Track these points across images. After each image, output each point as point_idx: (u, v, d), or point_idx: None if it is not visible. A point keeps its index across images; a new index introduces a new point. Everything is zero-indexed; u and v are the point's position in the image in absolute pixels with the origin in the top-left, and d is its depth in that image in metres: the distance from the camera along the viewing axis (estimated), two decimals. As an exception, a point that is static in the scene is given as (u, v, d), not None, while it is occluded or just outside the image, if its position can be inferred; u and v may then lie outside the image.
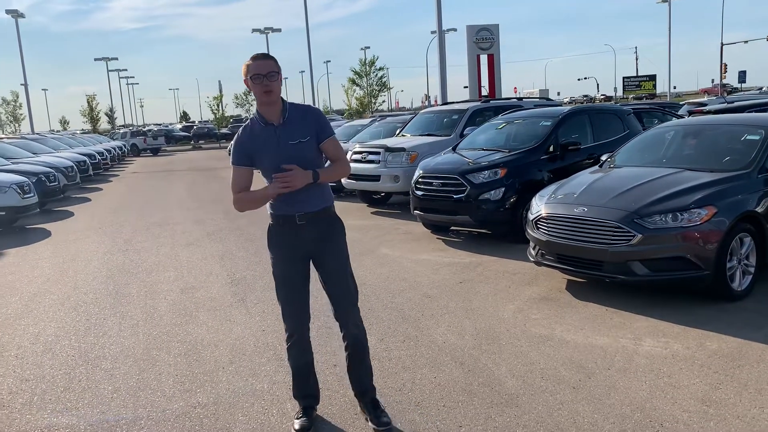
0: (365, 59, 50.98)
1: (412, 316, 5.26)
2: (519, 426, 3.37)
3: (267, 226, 3.41)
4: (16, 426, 3.70)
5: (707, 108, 11.52)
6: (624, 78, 67.06)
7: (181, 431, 3.54)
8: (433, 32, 38.95)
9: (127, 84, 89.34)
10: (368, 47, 73.51)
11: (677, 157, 6.41)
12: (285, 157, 3.19)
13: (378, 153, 11.12)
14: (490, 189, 7.79)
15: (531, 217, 6.02)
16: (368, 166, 11.08)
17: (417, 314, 5.30)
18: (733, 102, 13.52)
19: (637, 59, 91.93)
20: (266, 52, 3.18)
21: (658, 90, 65.79)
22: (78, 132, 56.21)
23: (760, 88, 62.76)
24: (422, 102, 78.77)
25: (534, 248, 5.98)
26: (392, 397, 3.78)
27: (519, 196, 7.71)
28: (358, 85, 49.98)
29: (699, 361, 4.05)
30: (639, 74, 70.30)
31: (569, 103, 62.75)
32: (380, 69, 50.93)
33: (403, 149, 10.80)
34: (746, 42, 55.28)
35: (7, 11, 42.54)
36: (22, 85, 47.77)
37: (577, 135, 8.61)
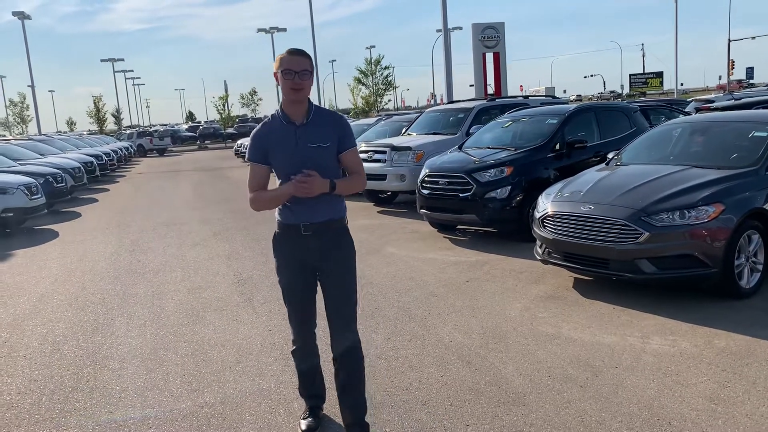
0: (371, 58, 50.91)
1: (419, 315, 5.26)
2: (526, 425, 3.36)
3: (273, 233, 3.31)
4: (25, 426, 3.72)
5: (714, 105, 11.45)
6: (631, 75, 66.93)
7: (188, 431, 3.55)
8: (438, 31, 38.94)
9: (134, 85, 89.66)
10: (373, 46, 73.76)
11: (684, 154, 6.37)
12: (300, 160, 3.05)
13: (384, 152, 11.12)
14: (497, 187, 7.78)
15: (537, 215, 6.01)
16: (374, 165, 11.07)
17: (424, 313, 5.30)
18: (740, 99, 13.44)
19: (643, 56, 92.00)
20: (301, 48, 3.05)
21: (666, 87, 65.53)
22: (85, 133, 56.41)
23: None
24: (428, 101, 78.76)
25: (541, 246, 5.96)
26: (399, 396, 3.78)
27: (525, 194, 7.69)
28: (363, 84, 49.93)
29: (707, 359, 4.03)
30: (646, 71, 70.04)
31: (576, 100, 62.52)
32: (386, 68, 50.87)
33: (409, 148, 10.80)
34: (754, 38, 54.92)
35: (14, 13, 42.67)
36: (29, 86, 48.08)
37: (584, 133, 8.59)
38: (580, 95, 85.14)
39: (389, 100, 56.31)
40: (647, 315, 4.89)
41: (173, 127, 63.53)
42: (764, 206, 5.25)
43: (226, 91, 55.18)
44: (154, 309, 5.89)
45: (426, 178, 8.59)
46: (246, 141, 28.75)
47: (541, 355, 4.26)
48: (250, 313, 5.55)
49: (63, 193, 14.39)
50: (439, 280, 6.29)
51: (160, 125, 71.38)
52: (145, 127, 71.64)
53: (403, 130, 12.98)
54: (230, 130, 52.21)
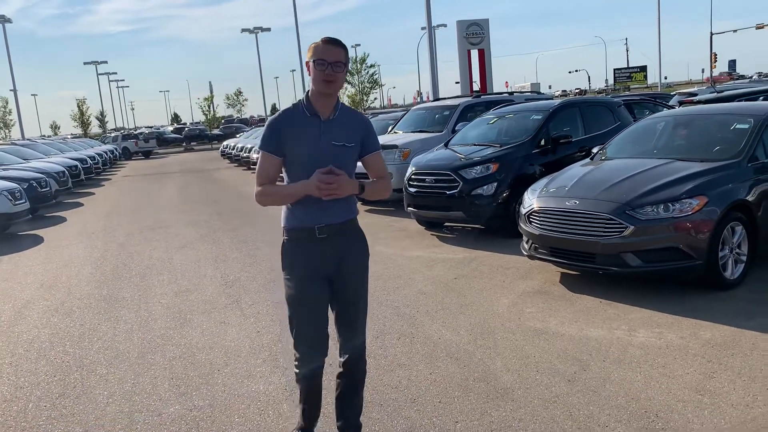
0: (356, 57, 50.95)
1: (408, 313, 5.27)
2: (515, 420, 3.38)
3: (282, 242, 2.96)
4: (12, 434, 3.68)
5: (697, 98, 11.55)
6: (615, 70, 67.21)
7: (177, 435, 3.53)
8: (423, 28, 38.97)
9: (117, 87, 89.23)
10: (359, 44, 73.60)
11: (668, 147, 6.43)
12: (321, 157, 2.79)
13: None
14: (483, 184, 7.80)
15: (523, 211, 6.03)
16: (360, 164, 11.04)
17: (412, 311, 5.30)
18: (722, 91, 13.56)
19: (627, 51, 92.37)
20: (337, 38, 2.81)
21: (650, 81, 65.96)
22: (69, 136, 55.98)
23: None
24: (414, 99, 78.79)
25: (527, 242, 5.99)
26: (388, 394, 3.78)
27: (511, 190, 7.72)
28: (349, 82, 49.87)
29: (693, 350, 4.07)
30: (630, 65, 70.43)
31: (562, 95, 62.76)
32: (371, 66, 50.92)
33: (395, 146, 10.80)
34: (735, 31, 55.57)
35: (-6, 17, 42.27)
36: (11, 90, 47.62)
37: (568, 128, 8.63)
38: (565, 91, 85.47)
39: (375, 99, 56.41)
40: (634, 308, 4.93)
41: (158, 129, 63.12)
42: (747, 198, 5.30)
43: (212, 92, 55.34)
44: (141, 313, 5.85)
45: (413, 176, 8.60)
46: (232, 142, 28.64)
47: (529, 350, 4.28)
48: (238, 315, 5.53)
49: (47, 198, 14.25)
50: (427, 278, 6.30)
51: (145, 127, 70.91)
52: (130, 129, 71.16)
53: (389, 129, 12.99)
54: (216, 132, 52.02)
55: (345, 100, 49.58)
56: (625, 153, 6.56)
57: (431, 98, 21.91)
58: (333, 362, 3.20)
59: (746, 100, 9.87)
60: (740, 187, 5.32)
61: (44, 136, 74.08)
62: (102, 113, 73.57)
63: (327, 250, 2.87)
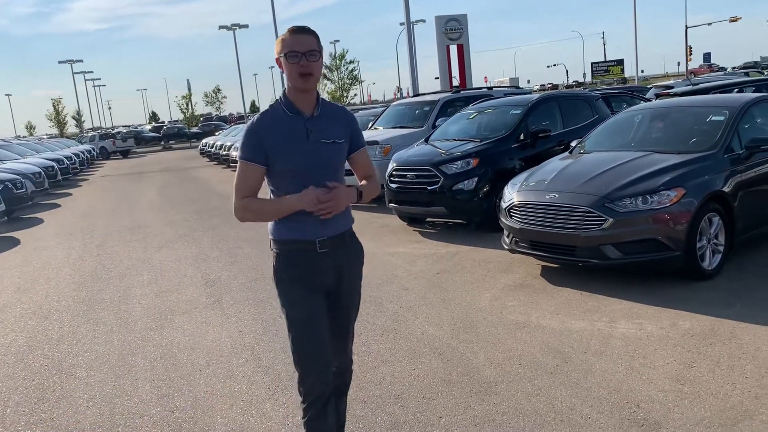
0: (335, 53, 50.79)
1: (390, 308, 5.26)
2: (498, 413, 3.39)
3: (274, 256, 2.64)
4: (-11, 440, 3.62)
5: (673, 91, 11.66)
6: (593, 63, 67.81)
7: (159, 437, 3.49)
8: (401, 24, 38.93)
9: (94, 86, 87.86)
10: (338, 41, 73.16)
11: (645, 140, 6.48)
12: (314, 158, 2.54)
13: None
14: (464, 179, 7.82)
15: (504, 205, 6.05)
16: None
17: (395, 307, 5.30)
18: (698, 84, 13.71)
19: (604, 44, 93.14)
20: (305, 25, 2.56)
21: (626, 74, 66.57)
22: (45, 137, 55.15)
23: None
24: (394, 95, 78.76)
25: (508, 236, 6.01)
26: (372, 391, 3.77)
27: (492, 185, 7.75)
28: (329, 79, 49.75)
29: (673, 340, 4.11)
30: (607, 59, 71.07)
31: (540, 89, 63.12)
32: (350, 62, 50.83)
33: (376, 142, 10.77)
34: (710, 24, 56.34)
35: (-35, 16, 41.45)
36: (-16, 90, 46.70)
37: (547, 122, 8.68)
38: (543, 85, 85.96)
39: (355, 95, 56.33)
40: (614, 300, 4.97)
41: (136, 128, 62.49)
42: (723, 189, 5.37)
43: (190, 90, 54.76)
44: (121, 314, 5.78)
45: (394, 172, 8.59)
46: (212, 140, 28.38)
47: (511, 344, 4.30)
48: (220, 315, 5.49)
49: (23, 200, 14.04)
50: (410, 273, 6.30)
51: (123, 126, 70.18)
52: (108, 128, 70.30)
53: (370, 125, 12.96)
54: (195, 130, 51.60)
55: (325, 96, 49.38)
56: (603, 146, 6.61)
57: (411, 94, 21.92)
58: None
59: (721, 92, 9.99)
60: (717, 179, 5.39)
61: (19, 136, 72.85)
62: (78, 113, 72.56)
63: (329, 263, 2.61)
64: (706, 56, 75.79)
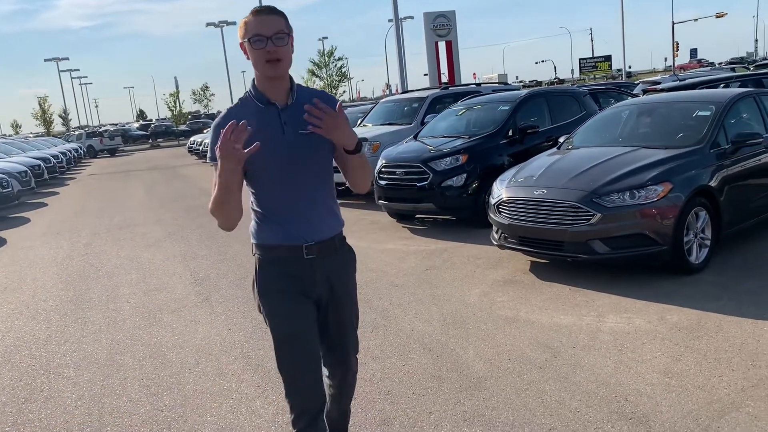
0: (324, 50, 50.73)
1: (380, 305, 5.27)
2: (488, 408, 3.40)
3: (255, 262, 2.43)
4: (-24, 441, 3.59)
5: (660, 86, 11.73)
6: (580, 60, 68.03)
7: (148, 436, 3.48)
8: (390, 20, 38.89)
9: (80, 84, 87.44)
10: (326, 37, 73.09)
11: (633, 135, 6.52)
12: (293, 154, 2.30)
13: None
14: (453, 175, 7.83)
15: (493, 201, 6.07)
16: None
17: (385, 303, 5.30)
18: (685, 79, 13.80)
19: (592, 41, 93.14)
20: (269, 5, 2.30)
21: (614, 69, 66.86)
22: (31, 135, 54.68)
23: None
24: (383, 91, 78.70)
25: (497, 232, 6.03)
26: (362, 387, 3.77)
27: (481, 181, 7.77)
28: (317, 76, 49.73)
29: (660, 334, 4.14)
30: (595, 55, 71.35)
31: (529, 86, 63.27)
32: (339, 59, 50.80)
33: (365, 139, 10.76)
34: (696, 20, 56.46)
35: (-51, 14, 40.97)
36: (-31, 89, 46.19)
37: (536, 118, 8.71)
38: (532, 81, 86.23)
39: (344, 92, 56.25)
40: (602, 294, 5.00)
41: (124, 126, 62.05)
42: (710, 183, 5.41)
43: (177, 87, 54.46)
44: (109, 313, 5.75)
45: (383, 169, 8.59)
46: (200, 138, 28.24)
47: (501, 339, 4.31)
48: (209, 313, 5.47)
49: (10, 199, 13.94)
50: (400, 270, 6.31)
51: (110, 125, 69.58)
52: (95, 127, 69.73)
53: (359, 122, 12.95)
54: (183, 128, 51.28)
55: (314, 94, 49.27)
56: (591, 142, 6.64)
57: (400, 91, 21.91)
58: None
59: (707, 87, 10.06)
60: (703, 173, 5.43)
61: (5, 135, 72.28)
62: (65, 111, 72.01)
63: (315, 270, 2.38)
64: (693, 52, 76.37)
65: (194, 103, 65.15)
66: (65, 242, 9.78)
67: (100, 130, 51.27)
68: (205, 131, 34.73)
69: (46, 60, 64.95)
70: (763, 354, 3.72)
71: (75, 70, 76.09)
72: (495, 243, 6.08)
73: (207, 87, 64.13)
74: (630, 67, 74.00)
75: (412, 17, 48.52)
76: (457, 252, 6.81)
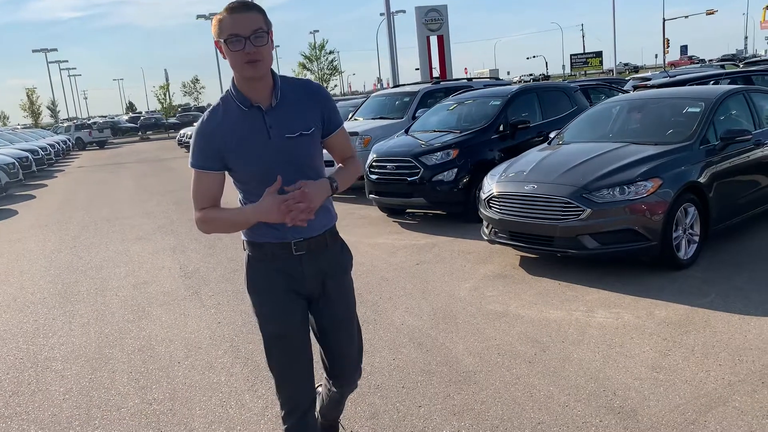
0: (315, 43, 50.52)
1: (371, 299, 5.27)
2: (477, 402, 3.41)
3: (246, 258, 2.39)
4: (-37, 434, 3.57)
5: (651, 83, 11.78)
6: (572, 55, 68.22)
7: (137, 429, 3.46)
8: (382, 14, 38.76)
9: (69, 76, 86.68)
10: (317, 31, 72.75)
11: (623, 131, 6.54)
12: (280, 158, 2.20)
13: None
14: (443, 170, 7.83)
15: (483, 196, 6.08)
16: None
17: (375, 297, 5.31)
18: (675, 76, 13.86)
19: (583, 36, 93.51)
20: (246, 1, 2.15)
21: (605, 66, 67.10)
22: (18, 127, 54.20)
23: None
24: (374, 85, 78.56)
25: (487, 227, 6.04)
26: (351, 381, 3.77)
27: (472, 176, 7.77)
28: (308, 69, 49.53)
29: (649, 329, 4.17)
30: (586, 51, 71.53)
31: (520, 81, 63.34)
32: (330, 53, 50.64)
33: (356, 133, 10.74)
34: (687, 17, 56.80)
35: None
36: (-45, 79, 45.70)
37: (527, 113, 8.72)
38: (524, 76, 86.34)
39: (335, 86, 56.14)
40: (591, 289, 5.02)
41: (113, 118, 61.63)
42: (699, 179, 5.44)
43: (167, 80, 54.08)
44: (98, 306, 5.71)
45: (374, 163, 8.58)
46: (190, 131, 28.07)
47: (490, 333, 4.32)
48: (198, 307, 5.45)
49: (-3, 191, 13.80)
50: (390, 264, 6.31)
51: (99, 117, 69.19)
52: (84, 119, 69.21)
53: (350, 116, 12.91)
54: (173, 120, 50.96)
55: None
56: (581, 137, 6.65)
57: (391, 85, 21.88)
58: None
59: (697, 84, 10.11)
60: (693, 169, 5.46)
61: (-8, 126, 71.61)
62: (53, 103, 71.43)
63: (307, 268, 2.33)
64: (683, 48, 76.81)
65: (184, 95, 65.00)
66: (53, 235, 9.71)
67: (89, 122, 50.85)
68: (195, 124, 34.47)
69: (34, 51, 64.38)
70: (750, 349, 3.75)
71: (64, 61, 75.59)
72: (485, 238, 6.09)
73: (197, 80, 64.11)
74: (618, 64, 74.14)
75: (404, 11, 48.44)
76: (447, 247, 6.82)
